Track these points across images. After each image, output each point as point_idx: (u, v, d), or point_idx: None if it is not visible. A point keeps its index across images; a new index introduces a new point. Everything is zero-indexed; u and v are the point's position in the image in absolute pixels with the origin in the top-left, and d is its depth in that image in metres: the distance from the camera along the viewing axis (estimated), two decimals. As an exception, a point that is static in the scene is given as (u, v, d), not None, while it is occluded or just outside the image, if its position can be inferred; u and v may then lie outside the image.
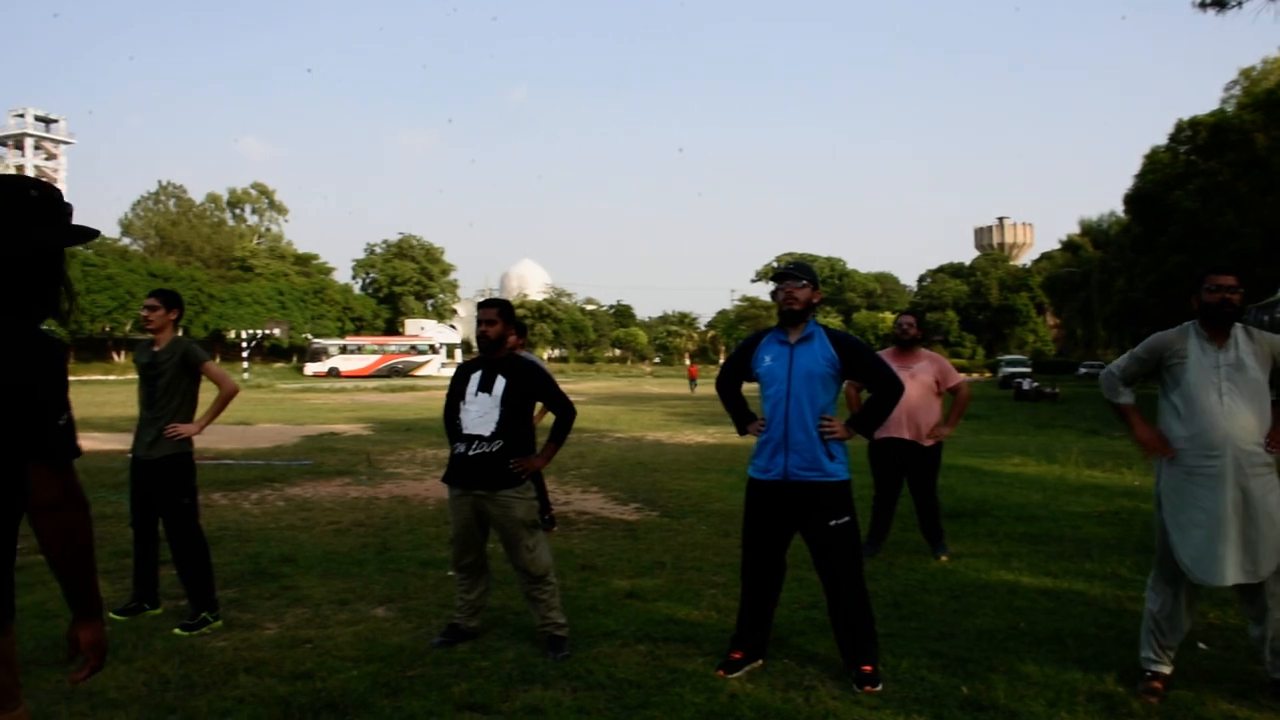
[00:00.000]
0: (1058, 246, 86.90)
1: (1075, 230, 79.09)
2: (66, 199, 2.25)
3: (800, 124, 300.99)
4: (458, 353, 74.59)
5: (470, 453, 4.91)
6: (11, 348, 2.01)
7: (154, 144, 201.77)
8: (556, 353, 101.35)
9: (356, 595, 6.07)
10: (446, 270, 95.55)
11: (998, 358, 75.08)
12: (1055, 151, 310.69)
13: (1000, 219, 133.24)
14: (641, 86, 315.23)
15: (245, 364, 60.40)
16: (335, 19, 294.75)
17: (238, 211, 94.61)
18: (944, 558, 7.12)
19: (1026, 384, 38.46)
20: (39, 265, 2.12)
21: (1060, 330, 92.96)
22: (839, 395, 4.71)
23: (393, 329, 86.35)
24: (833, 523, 4.46)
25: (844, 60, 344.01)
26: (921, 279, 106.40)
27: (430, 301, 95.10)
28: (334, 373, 67.68)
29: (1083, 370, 63.57)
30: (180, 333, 5.72)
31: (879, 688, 4.31)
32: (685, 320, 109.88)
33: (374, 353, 71.48)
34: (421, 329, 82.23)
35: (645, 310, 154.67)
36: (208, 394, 5.64)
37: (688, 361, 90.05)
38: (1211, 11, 18.13)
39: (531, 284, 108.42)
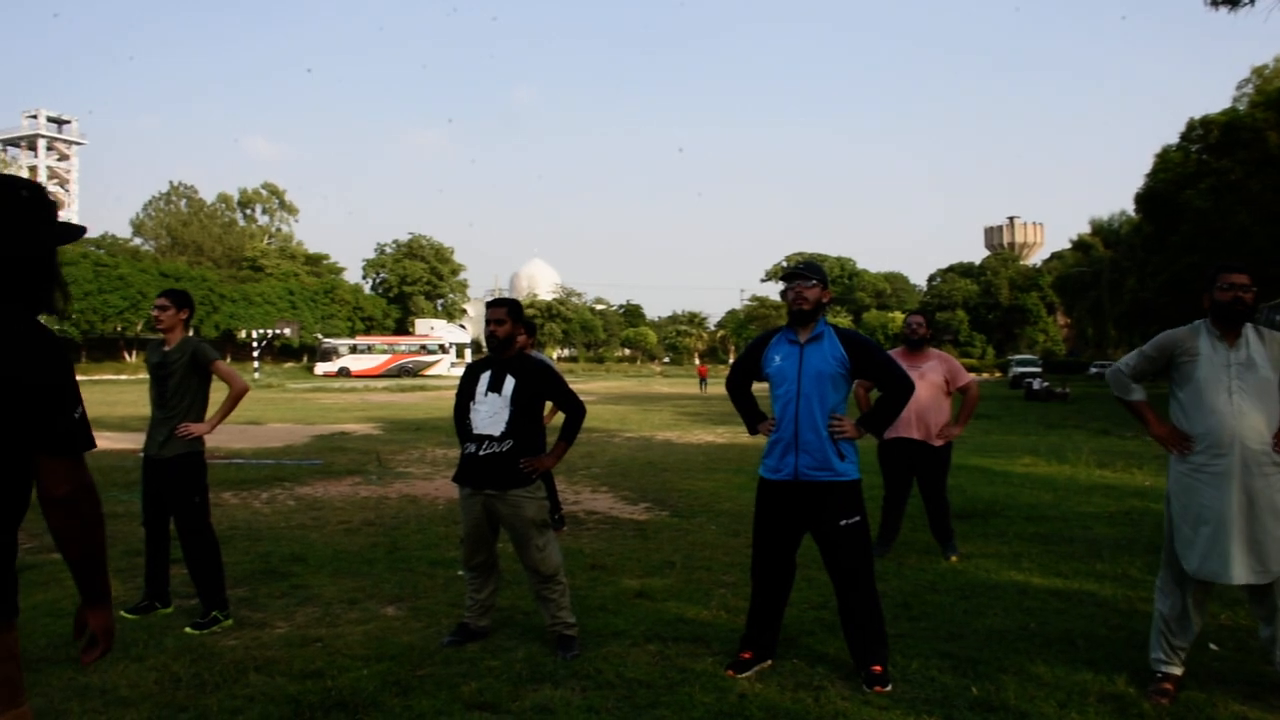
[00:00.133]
0: (1068, 246, 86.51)
1: (1086, 230, 78.79)
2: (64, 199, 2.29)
3: (809, 124, 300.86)
4: (467, 352, 74.78)
5: (480, 453, 4.91)
6: (19, 344, 2.05)
7: (165, 145, 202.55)
8: (566, 352, 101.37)
9: (366, 594, 6.09)
10: (456, 270, 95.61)
11: (1008, 357, 74.96)
12: (1066, 151, 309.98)
13: (1010, 218, 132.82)
14: (648, 86, 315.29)
15: (256, 364, 60.57)
16: (344, 19, 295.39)
17: (248, 212, 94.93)
18: (954, 558, 7.10)
19: (1037, 384, 38.34)
20: (36, 264, 2.15)
21: (1071, 330, 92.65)
22: (849, 395, 4.70)
23: (403, 329, 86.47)
24: (843, 522, 4.45)
25: (852, 60, 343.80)
26: (931, 279, 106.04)
27: (440, 301, 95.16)
28: (344, 372, 67.84)
29: (1093, 370, 63.38)
30: (191, 332, 5.74)
31: (889, 688, 4.30)
32: (695, 320, 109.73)
33: (384, 352, 71.64)
34: (431, 329, 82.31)
35: (655, 310, 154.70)
36: (219, 393, 5.66)
37: (697, 361, 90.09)
38: (1223, 10, 18.06)
39: (541, 284, 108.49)
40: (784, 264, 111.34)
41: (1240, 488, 4.07)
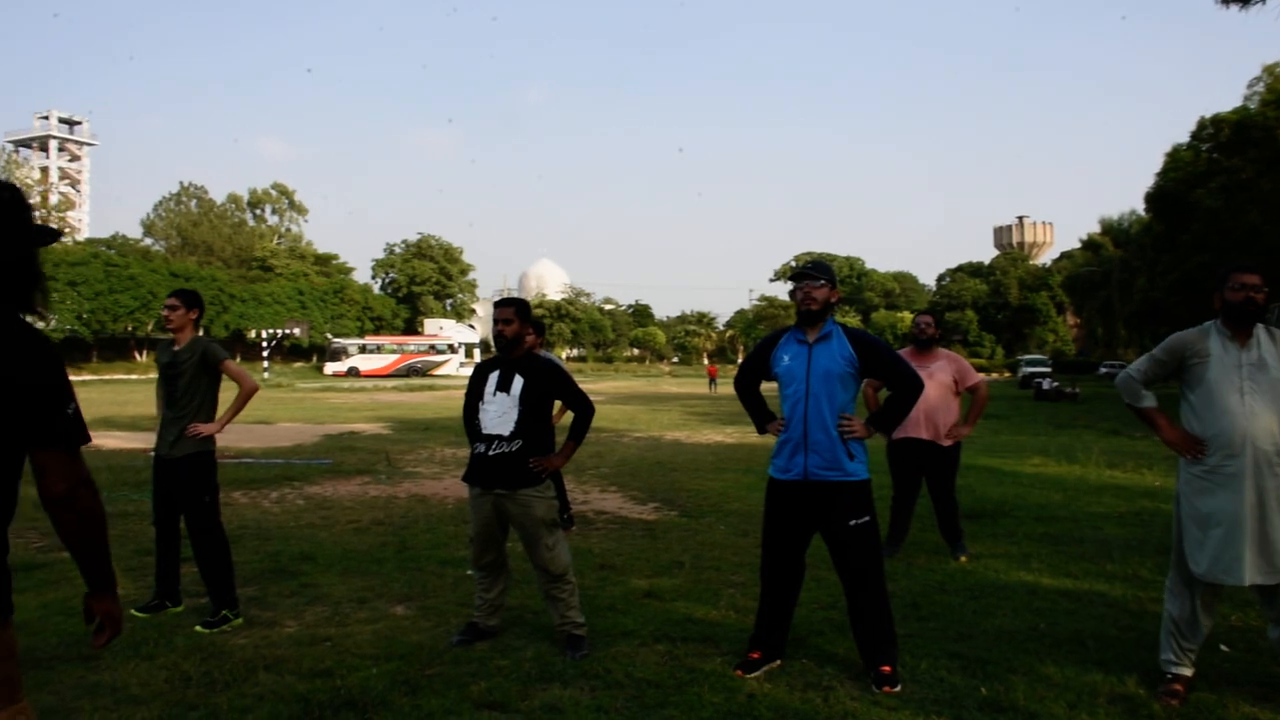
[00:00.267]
0: (1078, 245, 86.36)
1: (1096, 229, 78.64)
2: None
3: (817, 124, 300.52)
4: (476, 352, 74.79)
5: (490, 452, 4.92)
6: (10, 344, 2.09)
7: (175, 146, 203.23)
8: (575, 352, 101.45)
9: (376, 593, 6.10)
10: (465, 270, 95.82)
11: (1017, 357, 74.81)
12: (1075, 150, 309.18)
13: (1020, 218, 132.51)
14: (654, 86, 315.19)
15: (266, 363, 60.71)
16: (346, 19, 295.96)
17: (258, 212, 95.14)
18: (963, 558, 7.09)
19: (1046, 384, 38.29)
20: (18, 265, 2.19)
21: (1080, 330, 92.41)
22: (858, 394, 4.69)
23: (412, 329, 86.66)
24: (853, 522, 4.45)
25: (858, 60, 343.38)
26: (940, 278, 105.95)
27: (449, 301, 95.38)
28: (353, 372, 67.97)
29: (1103, 370, 63.21)
30: (201, 332, 5.76)
31: (898, 688, 4.30)
32: (704, 320, 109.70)
33: (393, 352, 71.75)
34: (440, 329, 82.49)
35: (663, 310, 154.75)
36: (228, 392, 5.67)
37: (706, 361, 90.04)
38: (1234, 7, 17.98)
39: (550, 283, 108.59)
40: (792, 264, 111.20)
41: (1253, 488, 4.05)
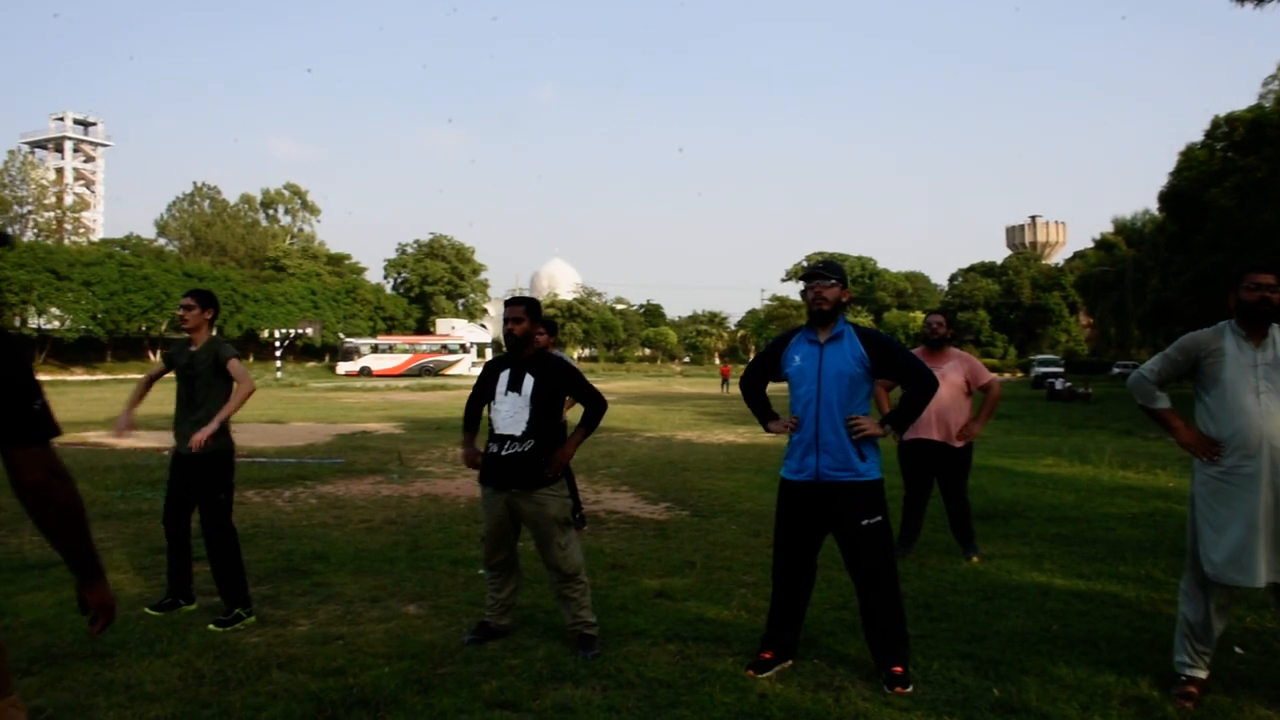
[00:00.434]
0: (1091, 245, 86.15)
1: (1109, 229, 78.49)
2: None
3: (829, 123, 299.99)
4: (488, 352, 74.92)
5: (503, 453, 4.92)
6: None
7: (188, 146, 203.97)
8: (587, 352, 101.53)
9: (388, 592, 6.12)
10: (477, 270, 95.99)
11: (1030, 357, 74.52)
12: (1088, 149, 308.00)
13: (1033, 217, 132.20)
14: (665, 86, 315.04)
15: (278, 363, 60.88)
16: (350, 20, 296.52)
17: (271, 212, 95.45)
18: (975, 559, 7.07)
19: (1059, 384, 38.14)
20: None
21: (1093, 330, 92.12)
22: (871, 394, 4.67)
23: (424, 328, 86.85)
24: (865, 522, 4.44)
25: (869, 59, 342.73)
26: (953, 278, 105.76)
27: (461, 301, 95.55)
28: (366, 372, 68.18)
29: (1116, 370, 62.97)
30: (215, 332, 5.79)
31: (909, 689, 4.29)
32: (715, 320, 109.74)
33: (405, 352, 71.93)
34: (452, 328, 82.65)
35: (675, 310, 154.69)
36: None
37: (718, 361, 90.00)
38: (1249, 5, 17.91)
39: (562, 283, 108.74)
40: (804, 263, 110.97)
41: (1269, 488, 4.02)
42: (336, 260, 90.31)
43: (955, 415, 7.08)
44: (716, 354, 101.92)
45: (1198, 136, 40.54)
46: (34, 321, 60.78)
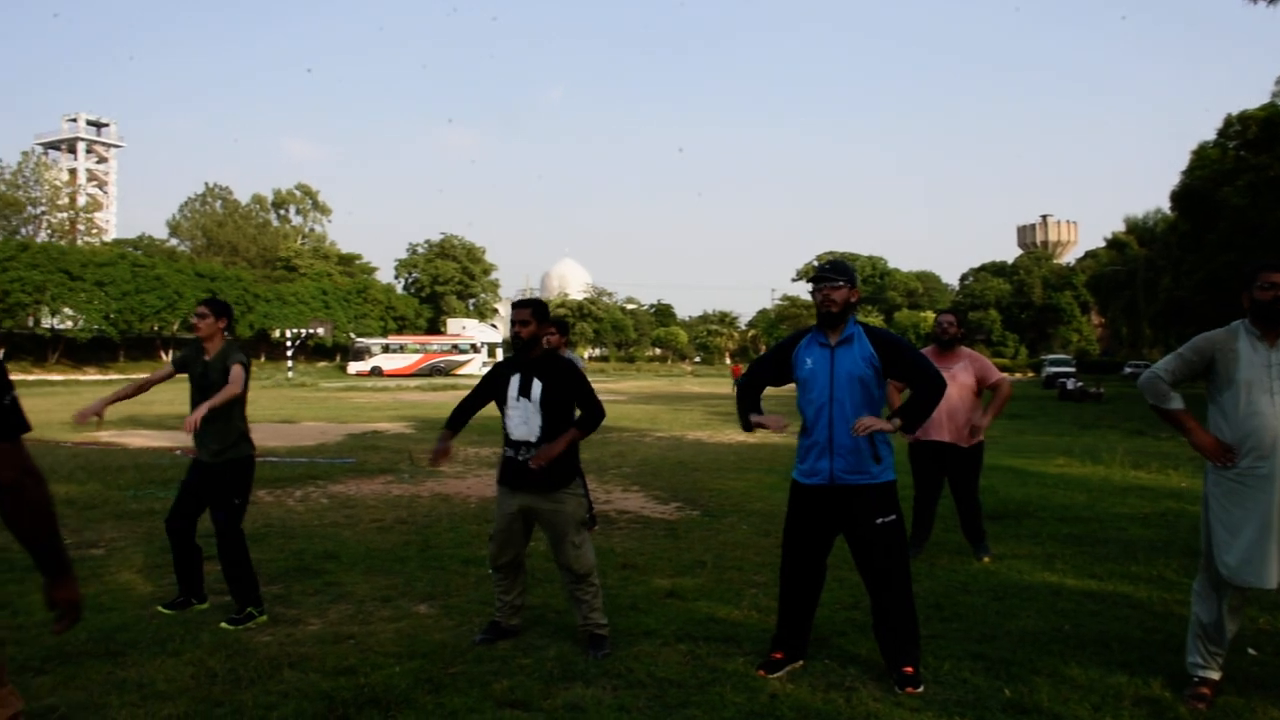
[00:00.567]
0: (1102, 244, 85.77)
1: (1120, 228, 78.09)
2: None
3: (838, 122, 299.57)
4: (499, 352, 75.02)
5: (520, 458, 4.95)
6: None
7: (201, 147, 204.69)
8: (597, 352, 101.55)
9: (399, 592, 6.13)
10: (488, 270, 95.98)
11: (1041, 357, 74.30)
12: (1099, 148, 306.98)
13: (1044, 217, 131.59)
14: (674, 87, 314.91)
15: (290, 363, 61.01)
16: (356, 20, 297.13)
17: (282, 212, 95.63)
18: (986, 559, 7.06)
19: (1071, 384, 38.03)
20: None
21: (1105, 329, 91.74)
22: (884, 396, 4.64)
23: (435, 328, 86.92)
24: (879, 520, 4.43)
25: (879, 58, 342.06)
26: (964, 278, 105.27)
27: (472, 301, 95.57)
28: (377, 371, 68.29)
29: (1128, 370, 62.69)
30: (228, 335, 5.81)
31: (920, 689, 4.29)
32: (726, 319, 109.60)
33: (416, 352, 72.04)
34: (463, 328, 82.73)
35: (685, 309, 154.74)
36: (251, 394, 5.71)
37: (728, 361, 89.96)
38: (1262, 4, 17.83)
39: (572, 283, 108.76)
40: (814, 263, 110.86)
41: None
42: (347, 260, 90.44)
43: (966, 416, 7.06)
44: (727, 354, 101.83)
45: (1210, 135, 40.41)
46: (47, 321, 61.02)
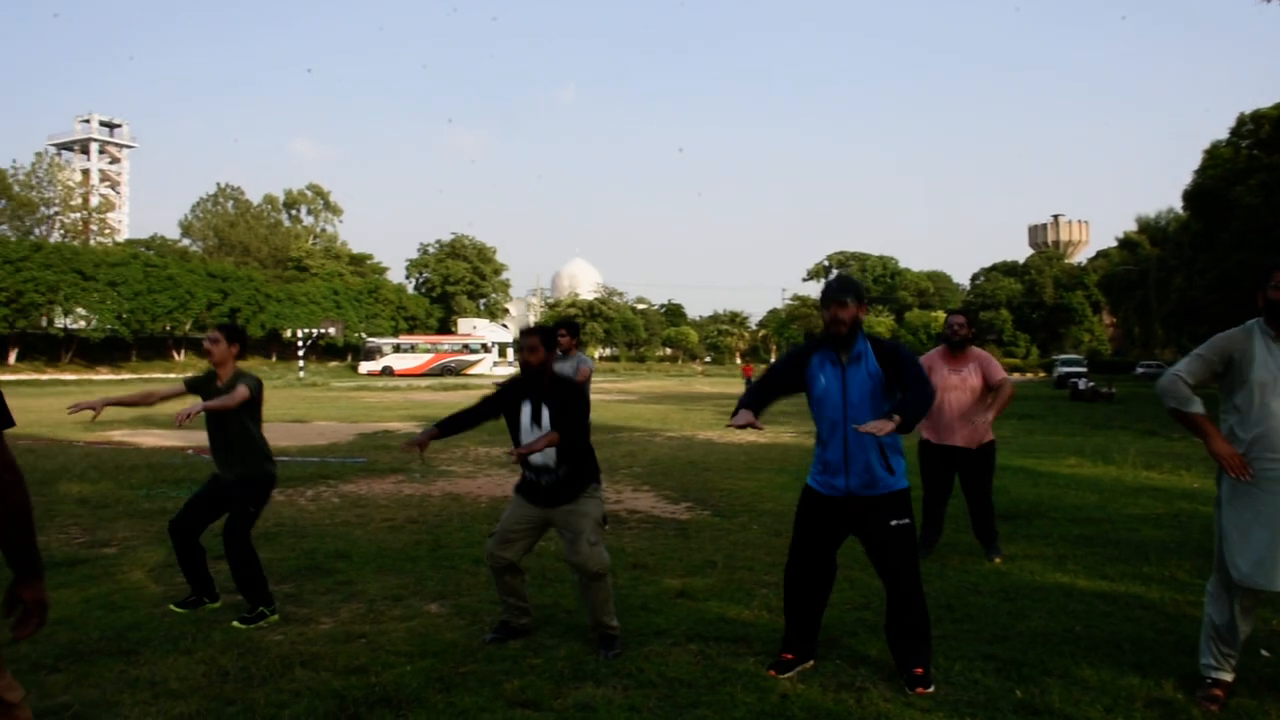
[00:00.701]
0: (1114, 244, 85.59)
1: (1132, 227, 77.91)
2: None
3: (849, 122, 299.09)
4: (509, 352, 75.12)
5: (542, 482, 5.00)
6: None
7: (212, 148, 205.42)
8: (608, 351, 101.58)
9: (410, 591, 6.14)
10: (499, 270, 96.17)
11: (1053, 357, 74.10)
12: (1111, 147, 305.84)
13: (1055, 216, 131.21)
14: (684, 87, 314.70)
15: (301, 362, 61.20)
16: (371, 21, 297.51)
17: (294, 212, 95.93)
18: (998, 560, 7.04)
19: (1082, 384, 37.86)
20: None
21: (1117, 329, 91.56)
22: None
23: (445, 328, 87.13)
24: (894, 523, 4.44)
25: (893, 59, 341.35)
26: (975, 277, 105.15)
27: (483, 301, 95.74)
28: (388, 371, 68.52)
29: (1140, 370, 62.48)
30: (237, 349, 5.81)
31: (931, 689, 4.28)
32: (736, 319, 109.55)
33: (427, 351, 72.24)
34: (474, 328, 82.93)
35: (696, 309, 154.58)
36: (266, 409, 5.75)
37: (739, 361, 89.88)
38: (1276, 2, 17.75)
39: (583, 283, 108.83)
40: (825, 263, 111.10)
41: None
42: (359, 260, 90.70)
43: (984, 426, 7.05)
44: (738, 353, 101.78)
45: (1223, 134, 40.29)
46: (60, 321, 61.32)
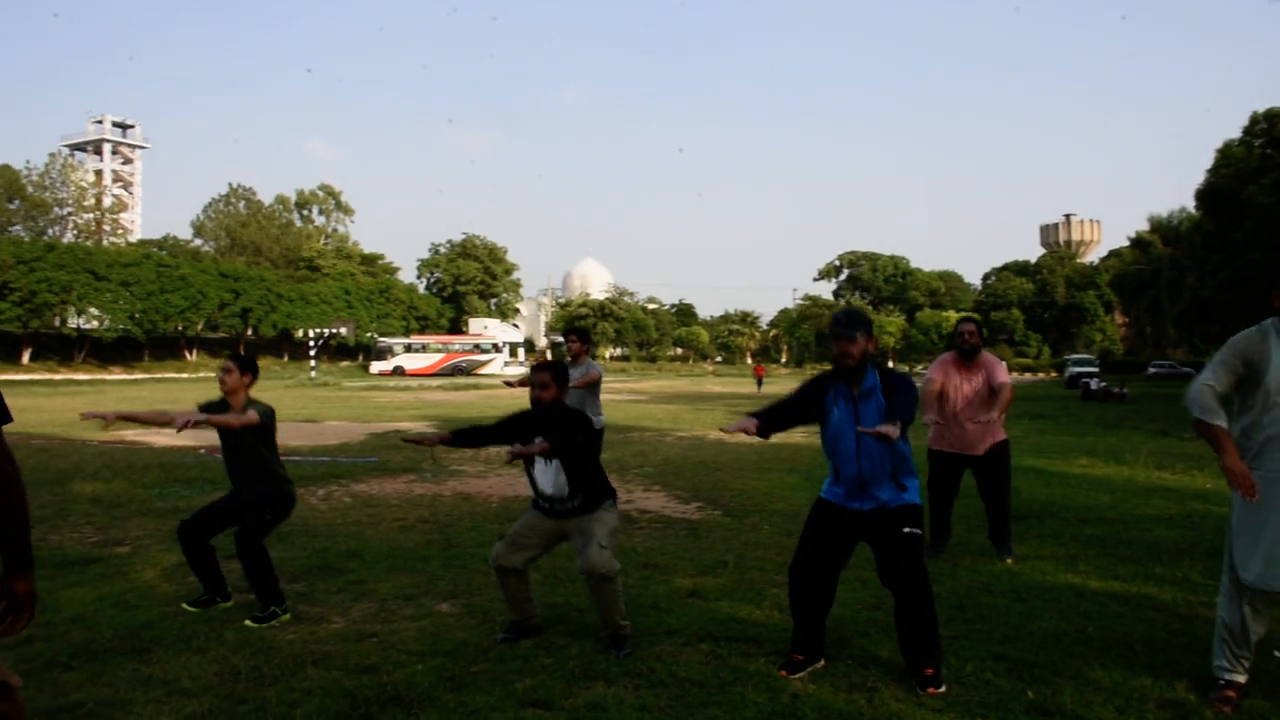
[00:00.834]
0: (1126, 244, 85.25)
1: (1144, 227, 77.50)
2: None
3: (859, 122, 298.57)
4: (520, 351, 75.22)
5: (556, 509, 5.06)
6: None
7: (224, 148, 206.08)
8: (619, 351, 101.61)
9: (421, 590, 6.16)
10: (510, 270, 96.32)
11: (1064, 357, 73.87)
12: (1123, 146, 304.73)
13: (1067, 216, 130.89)
14: (692, 87, 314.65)
15: (313, 362, 61.39)
16: (372, 21, 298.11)
17: (305, 213, 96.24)
18: (1009, 560, 7.02)
19: (1094, 384, 37.73)
20: None
21: (1129, 329, 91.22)
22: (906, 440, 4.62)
23: (456, 328, 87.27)
24: (905, 530, 4.47)
25: (903, 59, 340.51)
26: (986, 277, 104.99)
27: (494, 301, 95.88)
28: (399, 371, 68.70)
29: (1152, 370, 62.25)
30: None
31: (943, 689, 4.28)
32: (747, 319, 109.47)
33: (438, 351, 72.43)
34: (485, 328, 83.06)
35: (707, 309, 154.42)
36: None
37: (749, 360, 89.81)
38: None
39: (594, 283, 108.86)
40: (836, 262, 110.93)
41: None
42: (370, 260, 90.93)
43: (990, 428, 7.05)
44: (749, 353, 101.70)
45: (1236, 133, 40.10)
46: (73, 321, 61.61)
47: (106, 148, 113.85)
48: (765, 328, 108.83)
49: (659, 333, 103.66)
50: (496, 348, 74.33)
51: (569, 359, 8.40)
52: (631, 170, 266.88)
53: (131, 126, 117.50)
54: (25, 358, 57.19)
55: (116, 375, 58.26)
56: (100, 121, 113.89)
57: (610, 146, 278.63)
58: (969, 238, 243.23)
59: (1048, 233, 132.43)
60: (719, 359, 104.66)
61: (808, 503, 4.74)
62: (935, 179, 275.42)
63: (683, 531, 8.32)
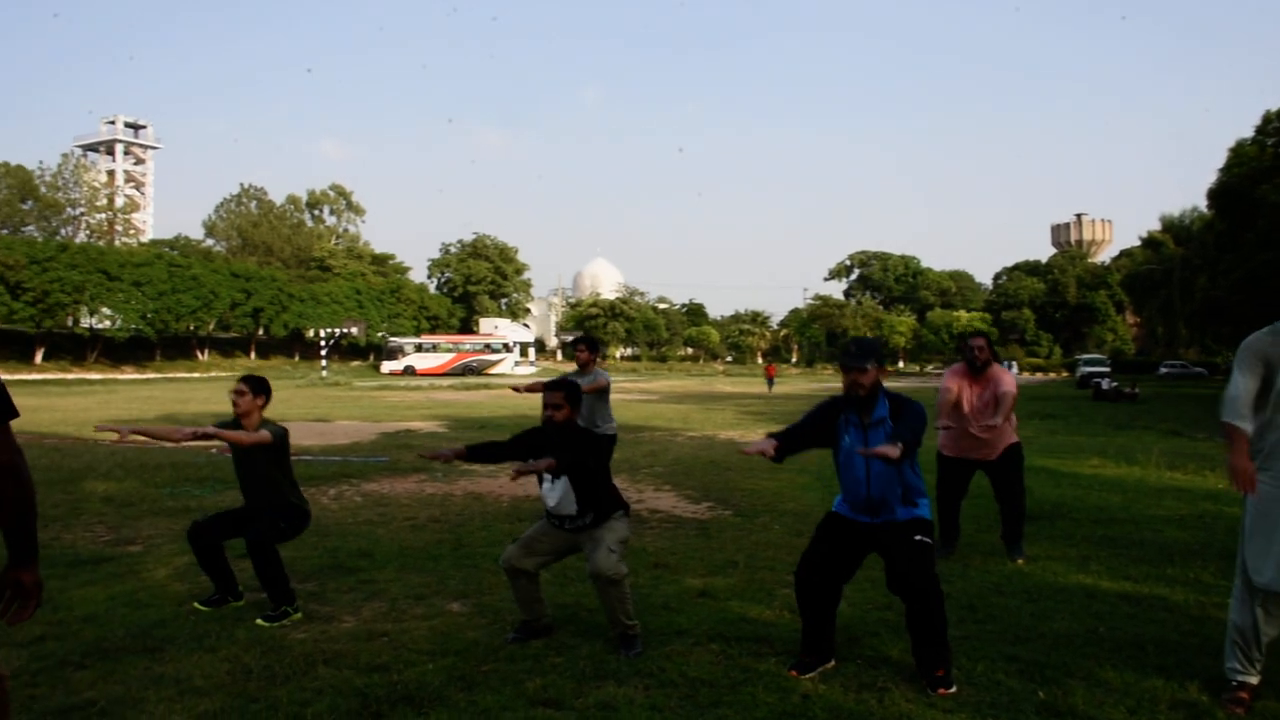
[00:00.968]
0: (1138, 243, 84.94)
1: (1156, 226, 77.24)
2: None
3: (870, 121, 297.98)
4: (531, 351, 75.25)
5: (567, 527, 5.09)
6: None
7: (236, 148, 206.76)
8: (629, 351, 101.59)
9: (432, 590, 6.17)
10: (520, 269, 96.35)
11: (1076, 357, 73.70)
12: (1135, 145, 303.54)
13: (1078, 215, 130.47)
14: (700, 87, 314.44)
15: (324, 362, 61.51)
16: (379, 20, 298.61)
17: (316, 213, 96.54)
18: (1020, 560, 7.01)
19: (1105, 384, 37.60)
20: None
21: (1140, 329, 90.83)
22: (915, 464, 4.64)
23: (467, 328, 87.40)
24: (916, 538, 4.50)
25: (914, 58, 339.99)
26: (997, 277, 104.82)
27: (504, 300, 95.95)
28: (410, 371, 68.85)
29: (1164, 370, 62.05)
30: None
31: (953, 690, 4.27)
32: (758, 319, 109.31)
33: (449, 351, 72.57)
34: (495, 328, 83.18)
35: (717, 309, 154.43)
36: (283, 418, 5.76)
37: (760, 360, 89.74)
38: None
39: (604, 283, 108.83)
40: (847, 262, 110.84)
41: None
42: (381, 260, 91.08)
43: (1000, 436, 7.08)
44: (759, 353, 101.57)
45: (1248, 132, 39.94)
46: (86, 321, 61.84)
47: (119, 148, 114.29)
48: (776, 327, 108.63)
49: (669, 332, 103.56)
50: (507, 347, 74.46)
51: (576, 367, 8.48)
52: (641, 170, 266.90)
53: (144, 127, 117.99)
54: (38, 357, 57.40)
55: (129, 375, 58.44)
56: (113, 122, 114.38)
57: (622, 146, 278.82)
58: (980, 237, 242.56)
59: (1059, 232, 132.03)
60: (729, 359, 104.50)
61: (819, 503, 4.76)
62: (945, 179, 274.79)
63: (693, 531, 8.32)
